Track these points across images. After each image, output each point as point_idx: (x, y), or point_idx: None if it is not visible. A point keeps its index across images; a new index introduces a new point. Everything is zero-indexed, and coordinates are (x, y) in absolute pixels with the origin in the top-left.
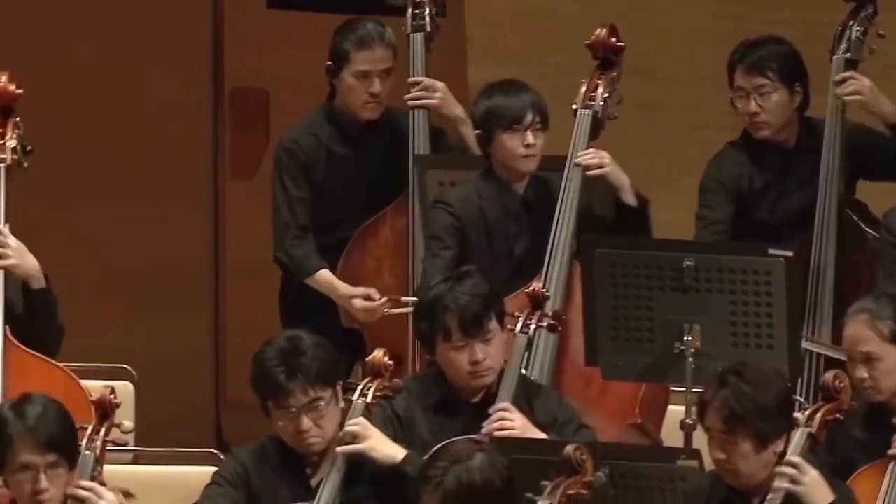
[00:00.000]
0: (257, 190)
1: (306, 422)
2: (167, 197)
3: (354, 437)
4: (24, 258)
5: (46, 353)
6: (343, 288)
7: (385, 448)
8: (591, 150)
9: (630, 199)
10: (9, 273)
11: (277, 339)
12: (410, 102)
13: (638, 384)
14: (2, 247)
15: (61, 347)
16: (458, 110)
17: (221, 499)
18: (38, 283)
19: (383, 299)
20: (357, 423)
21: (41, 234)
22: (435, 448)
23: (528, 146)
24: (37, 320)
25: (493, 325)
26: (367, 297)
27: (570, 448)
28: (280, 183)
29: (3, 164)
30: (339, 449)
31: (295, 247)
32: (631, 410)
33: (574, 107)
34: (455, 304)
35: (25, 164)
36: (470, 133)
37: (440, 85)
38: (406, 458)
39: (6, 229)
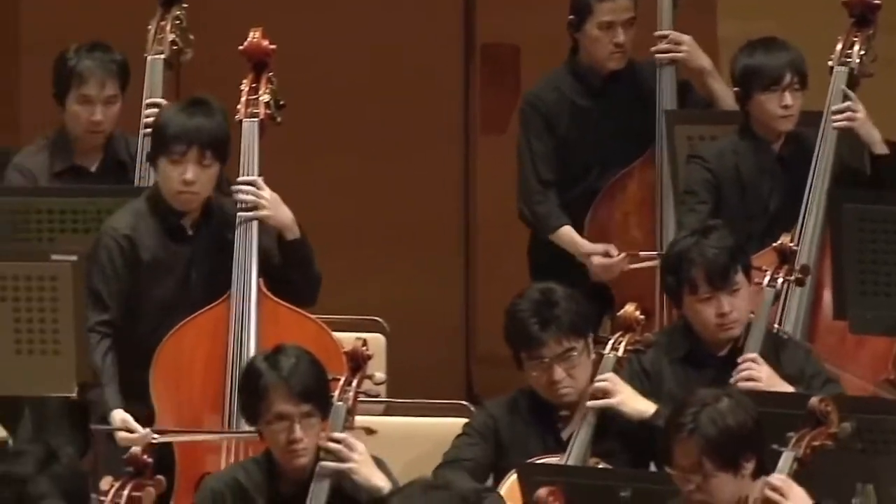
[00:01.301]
0: (507, 144)
1: (559, 372)
2: (419, 151)
3: (605, 393)
4: (278, 209)
5: (304, 302)
6: (583, 245)
7: (635, 403)
8: (845, 104)
9: (882, 149)
10: (263, 224)
11: (530, 291)
12: (658, 56)
13: (892, 340)
14: (257, 197)
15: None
16: (704, 62)
17: (469, 449)
18: (293, 234)
19: (621, 255)
20: (607, 379)
21: (293, 189)
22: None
23: (785, 107)
24: (293, 270)
25: (740, 277)
26: (606, 254)
27: (814, 400)
28: (524, 138)
29: (256, 119)
30: (589, 403)
31: (538, 203)
32: (884, 366)
33: (830, 63)
34: (701, 257)
35: (279, 119)
36: (717, 86)
37: (686, 38)
38: (657, 412)
39: (261, 181)
